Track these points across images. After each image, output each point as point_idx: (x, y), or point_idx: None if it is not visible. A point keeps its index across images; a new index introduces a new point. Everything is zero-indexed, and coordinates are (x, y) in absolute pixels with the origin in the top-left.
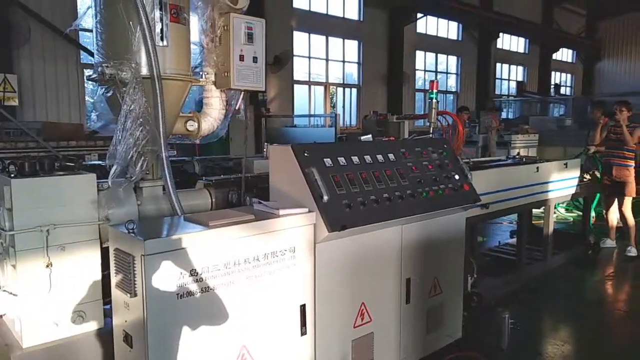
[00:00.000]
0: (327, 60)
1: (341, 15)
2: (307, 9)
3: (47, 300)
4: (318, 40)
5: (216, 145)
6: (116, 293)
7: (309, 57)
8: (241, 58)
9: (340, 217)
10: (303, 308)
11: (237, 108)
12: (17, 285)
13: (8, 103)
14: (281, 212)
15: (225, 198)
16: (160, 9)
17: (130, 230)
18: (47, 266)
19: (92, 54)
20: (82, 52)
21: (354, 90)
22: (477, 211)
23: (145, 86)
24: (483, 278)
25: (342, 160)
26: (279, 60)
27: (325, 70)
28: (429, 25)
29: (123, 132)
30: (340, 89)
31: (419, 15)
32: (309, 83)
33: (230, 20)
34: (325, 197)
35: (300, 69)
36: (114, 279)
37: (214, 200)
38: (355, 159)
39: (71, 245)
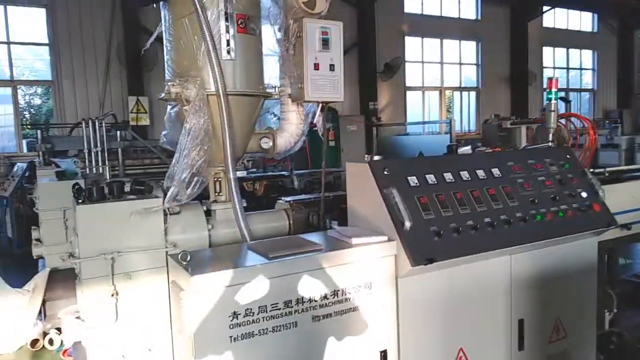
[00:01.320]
0: (441, 63)
1: (456, 16)
2: (420, 12)
3: (113, 331)
4: (432, 43)
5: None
6: (175, 329)
7: (422, 62)
8: (316, 67)
9: (426, 247)
10: (384, 355)
11: (313, 122)
12: (83, 314)
13: (140, 123)
14: (354, 240)
15: (305, 220)
16: (226, 20)
17: (182, 262)
18: (113, 295)
19: None
20: None
21: (472, 94)
22: (615, 232)
23: (213, 104)
24: (626, 313)
25: (431, 178)
26: (390, 68)
27: (440, 75)
28: (557, 18)
29: (182, 152)
30: (457, 93)
31: (545, 8)
32: (422, 89)
33: (303, 25)
34: (408, 224)
35: (412, 75)
36: (172, 313)
37: (291, 222)
38: (448, 176)
39: (137, 273)
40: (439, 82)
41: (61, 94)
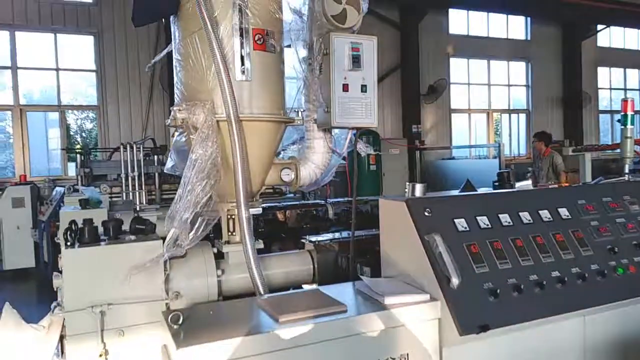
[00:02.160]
0: (489, 85)
1: (504, 37)
2: (465, 33)
3: None
4: (478, 64)
5: (368, 182)
6: None
7: (468, 84)
8: (345, 88)
9: (479, 310)
10: None
11: (343, 152)
12: None
13: None
14: (387, 300)
15: (332, 265)
16: (241, 36)
17: (172, 327)
18: (102, 355)
19: None
20: None
21: (522, 116)
22: None
23: (225, 131)
24: None
25: (483, 220)
26: (434, 90)
27: (488, 96)
28: (613, 37)
29: (185, 187)
30: (505, 116)
31: (599, 27)
32: (468, 111)
33: (330, 40)
34: (455, 281)
35: (458, 97)
36: None
37: (316, 267)
38: (505, 218)
39: (132, 328)
40: (486, 104)
41: (106, 118)
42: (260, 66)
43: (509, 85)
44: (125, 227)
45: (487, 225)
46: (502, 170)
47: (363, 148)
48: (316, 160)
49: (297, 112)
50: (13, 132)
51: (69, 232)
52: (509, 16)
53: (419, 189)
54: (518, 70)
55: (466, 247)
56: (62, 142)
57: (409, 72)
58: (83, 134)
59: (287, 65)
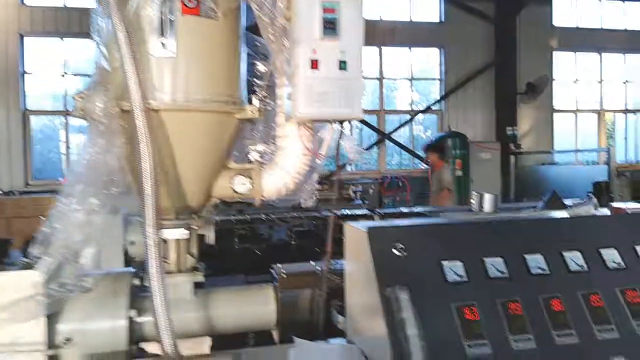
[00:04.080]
0: (601, 81)
1: (620, 27)
2: (573, 25)
3: None
4: (587, 58)
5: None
6: None
7: (576, 81)
8: (313, 64)
9: None
10: None
11: (321, 153)
12: None
13: None
14: None
15: (299, 306)
16: None
17: None
18: None
19: None
20: None
21: None
22: None
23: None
24: None
25: (495, 264)
26: (533, 88)
27: (599, 94)
28: None
29: (68, 199)
30: (620, 116)
31: None
32: (575, 111)
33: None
34: None
35: (562, 96)
36: None
37: (279, 309)
38: (535, 260)
39: None
40: (597, 104)
41: None
42: (192, 37)
43: (625, 82)
44: None
45: (501, 273)
46: (599, 181)
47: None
48: (287, 165)
49: (264, 100)
50: None
51: None
52: (626, 2)
53: (488, 201)
54: (637, 64)
55: (458, 311)
56: None
57: (504, 68)
58: None
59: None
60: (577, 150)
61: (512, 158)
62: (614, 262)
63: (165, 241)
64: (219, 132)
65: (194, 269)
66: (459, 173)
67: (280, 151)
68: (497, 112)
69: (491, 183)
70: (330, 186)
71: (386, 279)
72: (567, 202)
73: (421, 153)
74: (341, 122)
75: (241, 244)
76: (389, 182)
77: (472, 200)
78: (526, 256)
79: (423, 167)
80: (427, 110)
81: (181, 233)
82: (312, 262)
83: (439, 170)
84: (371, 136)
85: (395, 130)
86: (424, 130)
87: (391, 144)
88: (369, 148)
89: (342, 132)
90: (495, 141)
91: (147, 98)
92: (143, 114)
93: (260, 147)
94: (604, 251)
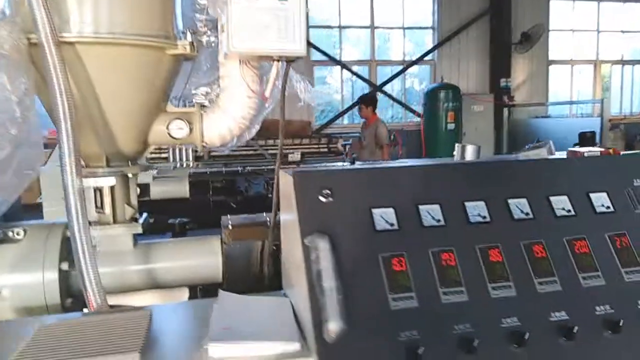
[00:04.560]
0: (597, 31)
1: None
2: None
3: None
4: (585, 7)
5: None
6: None
7: (572, 30)
8: None
9: None
10: None
11: (267, 96)
12: None
13: None
14: (212, 348)
15: (250, 256)
16: None
17: None
18: None
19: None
20: (312, 49)
21: (639, 68)
22: None
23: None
24: None
25: (431, 212)
26: (528, 38)
27: (596, 45)
28: None
29: None
30: (617, 67)
31: None
32: (571, 62)
33: None
34: (333, 327)
35: (558, 46)
36: None
37: (225, 260)
38: (475, 207)
39: None
40: (594, 55)
41: None
42: None
43: (623, 32)
44: None
45: (437, 221)
46: (585, 131)
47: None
48: (231, 108)
49: (205, 34)
50: None
51: None
52: None
53: (470, 153)
54: (635, 13)
55: (385, 262)
56: None
57: (498, 18)
58: None
59: None
60: (571, 102)
61: (506, 111)
62: (563, 209)
63: (100, 190)
64: (150, 70)
65: (133, 220)
66: (451, 126)
67: (223, 93)
68: (491, 63)
69: (484, 136)
70: (319, 140)
71: (309, 227)
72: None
73: (414, 106)
74: (288, 60)
75: (216, 197)
76: None
77: (454, 153)
78: (466, 203)
79: (415, 121)
80: (420, 60)
81: (109, 181)
82: (264, 213)
83: (372, 124)
84: (363, 88)
85: (387, 82)
86: (419, 82)
87: (383, 96)
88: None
89: (288, 72)
90: (489, 93)
91: (61, 30)
92: (54, 47)
93: (204, 89)
94: (555, 198)
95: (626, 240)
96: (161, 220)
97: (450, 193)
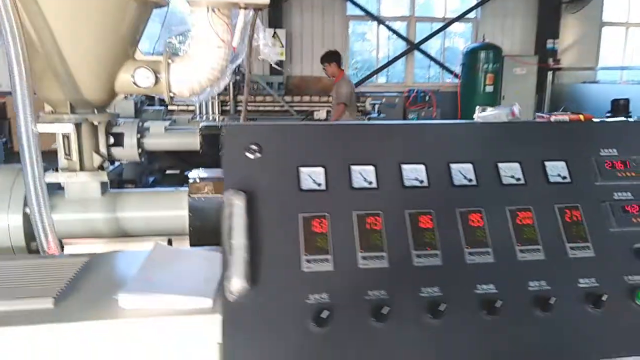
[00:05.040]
0: None
1: None
2: None
3: None
4: None
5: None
6: None
7: None
8: None
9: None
10: None
11: (233, 44)
12: None
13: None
14: (124, 300)
15: (217, 208)
16: None
17: None
18: None
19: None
20: (349, 2)
21: None
22: None
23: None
24: None
25: (364, 173)
26: None
27: None
28: None
29: None
30: None
31: None
32: (625, 25)
33: None
34: (236, 284)
35: (612, 7)
36: None
37: (190, 213)
38: (416, 171)
39: None
40: None
41: None
42: None
43: None
44: None
45: (369, 183)
46: (618, 98)
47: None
48: (200, 58)
49: None
50: None
51: None
52: None
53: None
54: None
55: (305, 223)
56: None
57: None
58: None
59: None
60: (622, 68)
61: (550, 75)
62: (512, 176)
63: (68, 137)
64: (114, 15)
65: (100, 168)
66: (490, 89)
67: (192, 42)
68: (538, 23)
69: (524, 101)
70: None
71: (233, 183)
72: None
73: (450, 66)
74: (255, 9)
75: None
76: (414, 96)
77: (474, 115)
78: (403, 165)
79: (451, 81)
80: (462, 17)
81: (65, 128)
82: None
83: (338, 82)
84: (403, 46)
85: (426, 39)
86: (464, 41)
87: (420, 55)
88: (396, 58)
89: (255, 21)
90: (533, 55)
91: None
92: None
93: (177, 37)
94: (501, 165)
95: (577, 213)
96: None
97: (387, 154)
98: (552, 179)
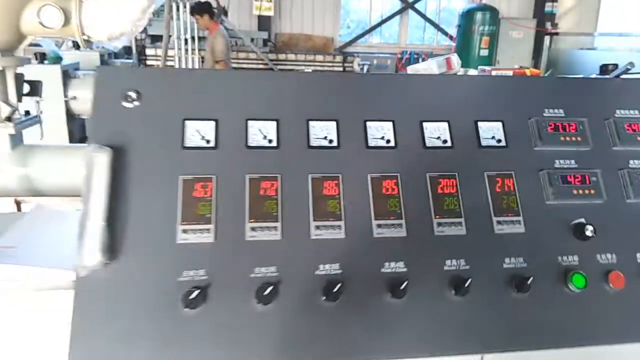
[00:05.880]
0: None
1: None
2: None
3: None
4: None
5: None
6: None
7: None
8: None
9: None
10: None
11: None
12: None
13: (264, 13)
14: None
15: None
16: None
17: None
18: None
19: None
20: None
21: None
22: None
23: None
24: None
25: (265, 130)
26: None
27: None
28: None
29: None
30: None
31: None
32: None
33: None
34: (87, 258)
35: None
36: None
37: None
38: (320, 129)
39: None
40: None
41: None
42: None
43: None
44: None
45: (269, 141)
46: (606, 63)
47: None
48: None
49: None
50: None
51: None
52: None
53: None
54: None
55: (186, 186)
56: None
57: None
58: None
59: None
60: (620, 34)
61: (547, 39)
62: (438, 138)
63: None
64: None
65: (9, 119)
66: (484, 52)
67: None
68: None
69: (520, 66)
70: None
71: (101, 137)
72: None
73: (445, 27)
74: None
75: None
76: (407, 58)
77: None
78: (310, 122)
79: (446, 44)
80: None
81: None
82: None
83: (212, 35)
84: (396, 6)
85: None
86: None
87: (417, 17)
88: (389, 18)
89: None
90: (532, 19)
91: None
92: None
93: None
94: (426, 124)
95: (510, 182)
96: None
97: (291, 107)
98: (484, 143)
